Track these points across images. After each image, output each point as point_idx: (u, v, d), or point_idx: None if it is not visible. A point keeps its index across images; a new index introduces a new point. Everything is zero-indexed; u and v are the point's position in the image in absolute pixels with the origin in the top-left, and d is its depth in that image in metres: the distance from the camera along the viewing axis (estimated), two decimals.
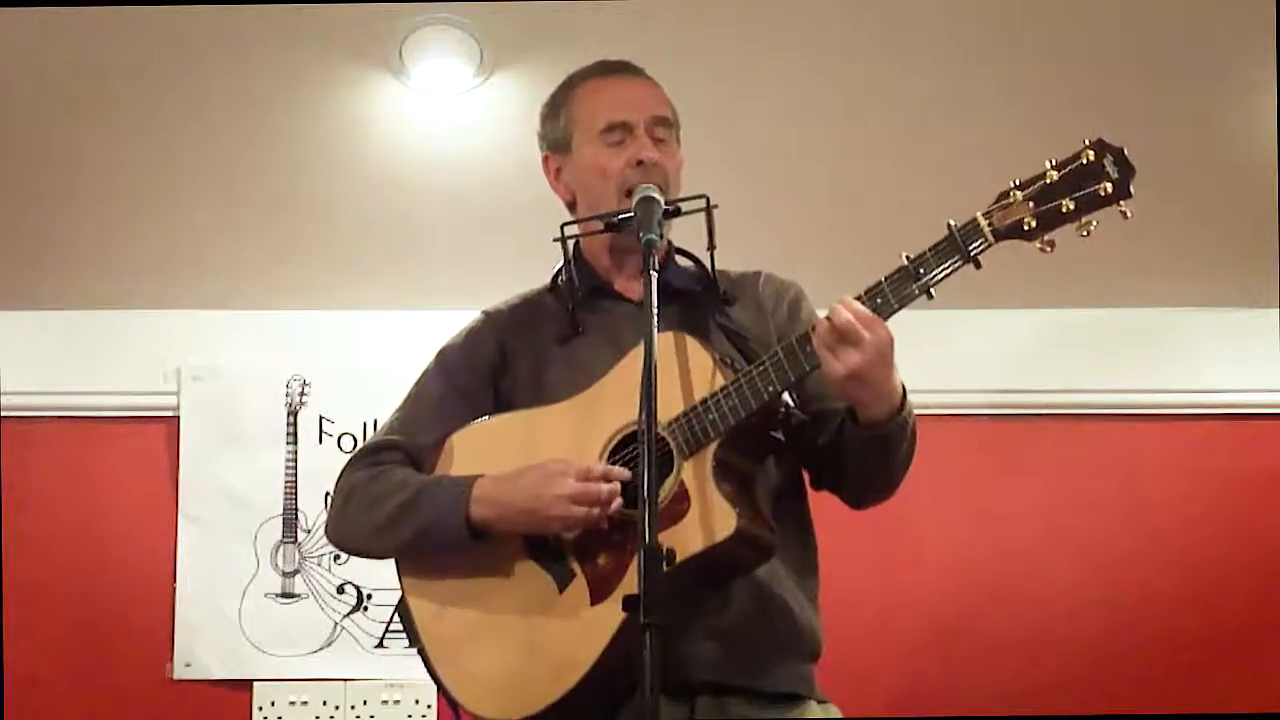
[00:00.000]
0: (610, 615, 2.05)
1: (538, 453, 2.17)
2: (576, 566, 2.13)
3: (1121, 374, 4.40)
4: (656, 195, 2.16)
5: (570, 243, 2.34)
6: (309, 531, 4.33)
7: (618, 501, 2.08)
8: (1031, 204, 1.99)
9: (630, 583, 2.02)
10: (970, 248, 2.01)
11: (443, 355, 2.39)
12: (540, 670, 2.11)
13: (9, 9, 3.41)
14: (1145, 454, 4.42)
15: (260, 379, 4.41)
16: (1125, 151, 1.96)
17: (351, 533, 2.32)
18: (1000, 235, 2.00)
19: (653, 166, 2.25)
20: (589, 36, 3.46)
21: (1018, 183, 2.01)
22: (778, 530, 2.12)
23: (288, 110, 3.79)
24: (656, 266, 2.05)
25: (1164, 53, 3.62)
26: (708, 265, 2.31)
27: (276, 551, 4.34)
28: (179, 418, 4.37)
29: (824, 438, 2.19)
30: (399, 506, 2.22)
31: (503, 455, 2.20)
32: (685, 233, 2.31)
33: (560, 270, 2.37)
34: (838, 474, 2.22)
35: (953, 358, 4.32)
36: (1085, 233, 1.98)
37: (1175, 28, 3.56)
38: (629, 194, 2.23)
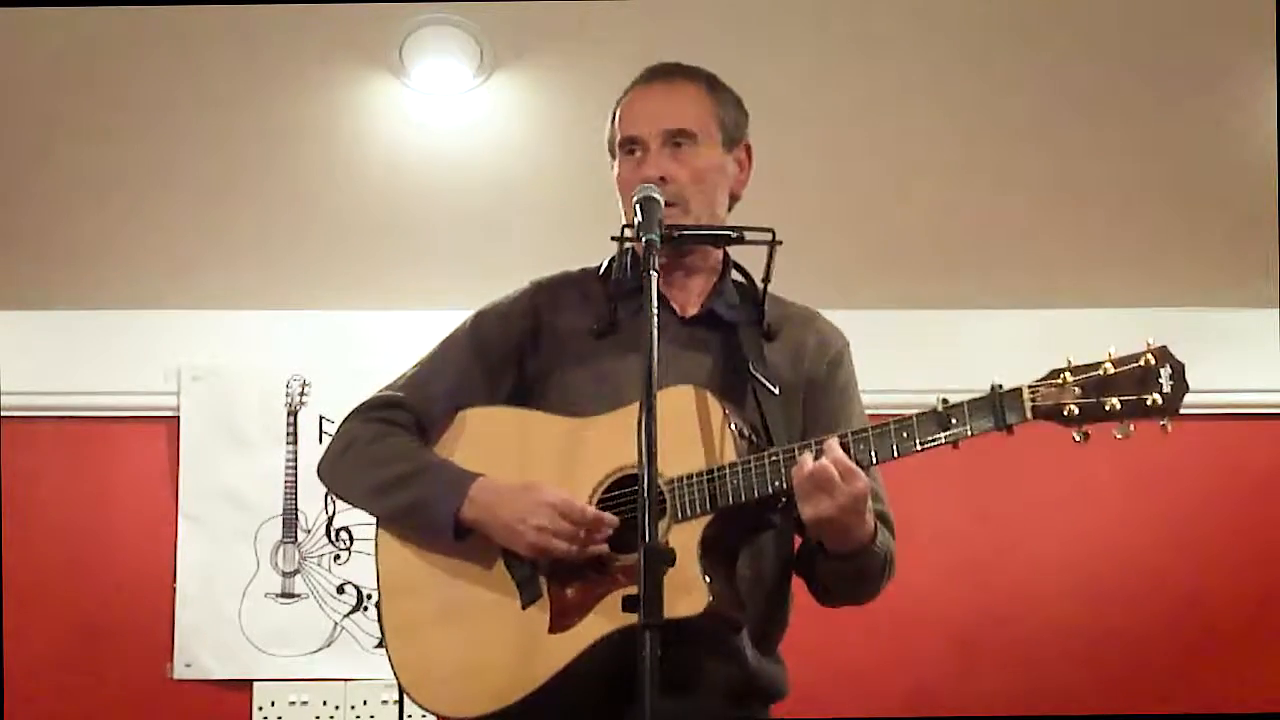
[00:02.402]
0: (560, 650, 2.07)
1: (529, 461, 2.18)
2: (545, 588, 2.13)
3: None
4: (656, 194, 2.14)
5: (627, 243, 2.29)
6: (309, 531, 4.34)
7: (600, 538, 2.09)
8: (1078, 390, 1.98)
9: (590, 625, 2.06)
10: (1006, 417, 2.00)
11: (479, 322, 2.36)
12: (478, 682, 2.12)
13: (10, 9, 3.41)
14: (1145, 454, 4.41)
15: (260, 379, 4.42)
16: (1185, 369, 1.96)
17: (343, 483, 2.33)
18: (1039, 414, 2.00)
19: (659, 183, 2.21)
20: (589, 36, 3.46)
21: (1071, 365, 2.00)
22: (753, 588, 2.15)
23: (288, 110, 3.78)
24: (656, 267, 2.04)
25: (1164, 53, 3.62)
26: (759, 292, 2.30)
27: (276, 551, 4.34)
28: (179, 418, 4.38)
29: (806, 537, 2.21)
30: (397, 477, 2.23)
31: (497, 450, 2.21)
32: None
33: (613, 260, 2.34)
34: (809, 578, 2.25)
35: (954, 357, 4.32)
36: (1122, 435, 1.96)
37: (1176, 28, 3.56)
38: None
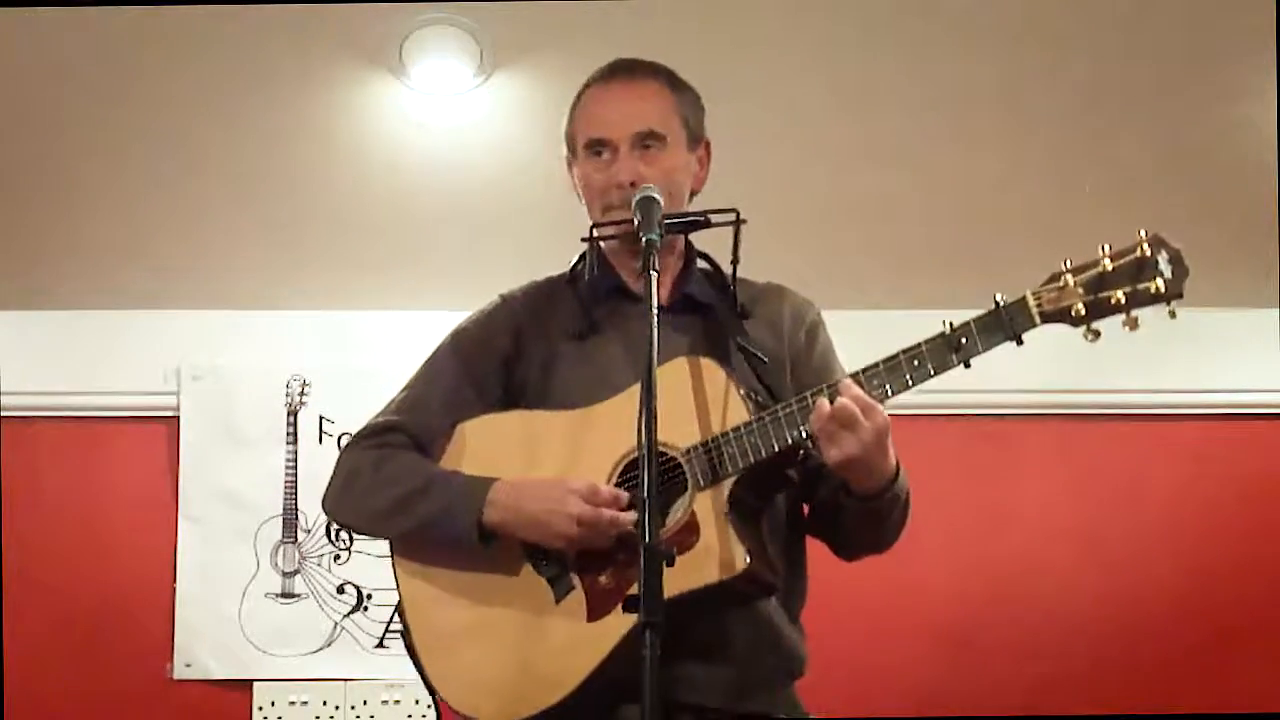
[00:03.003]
0: (606, 633, 2.06)
1: (537, 459, 2.18)
2: (576, 579, 2.12)
3: (1121, 374, 4.40)
4: (656, 195, 2.14)
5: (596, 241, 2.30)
6: (309, 531, 4.34)
7: (627, 517, 2.07)
8: (1082, 291, 1.97)
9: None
10: (1015, 327, 2.01)
11: (459, 339, 2.36)
12: (529, 679, 2.11)
13: (10, 9, 3.41)
14: (1145, 454, 4.42)
15: (260, 379, 4.42)
16: (1182, 252, 1.95)
17: (352, 512, 2.31)
18: (1047, 318, 1.99)
19: (630, 188, 2.22)
20: (589, 36, 3.46)
21: (1070, 266, 1.99)
22: (776, 553, 2.13)
23: (288, 110, 3.79)
24: (656, 267, 2.04)
25: (1165, 53, 3.62)
26: (727, 274, 2.29)
27: (276, 551, 4.34)
28: (179, 418, 4.38)
29: (823, 490, 2.21)
30: (407, 494, 2.21)
31: (503, 454, 2.20)
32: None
33: (580, 262, 2.34)
34: (830, 529, 2.25)
35: None
36: (1132, 327, 1.95)
37: (1177, 28, 3.56)
38: (610, 210, 2.23)
